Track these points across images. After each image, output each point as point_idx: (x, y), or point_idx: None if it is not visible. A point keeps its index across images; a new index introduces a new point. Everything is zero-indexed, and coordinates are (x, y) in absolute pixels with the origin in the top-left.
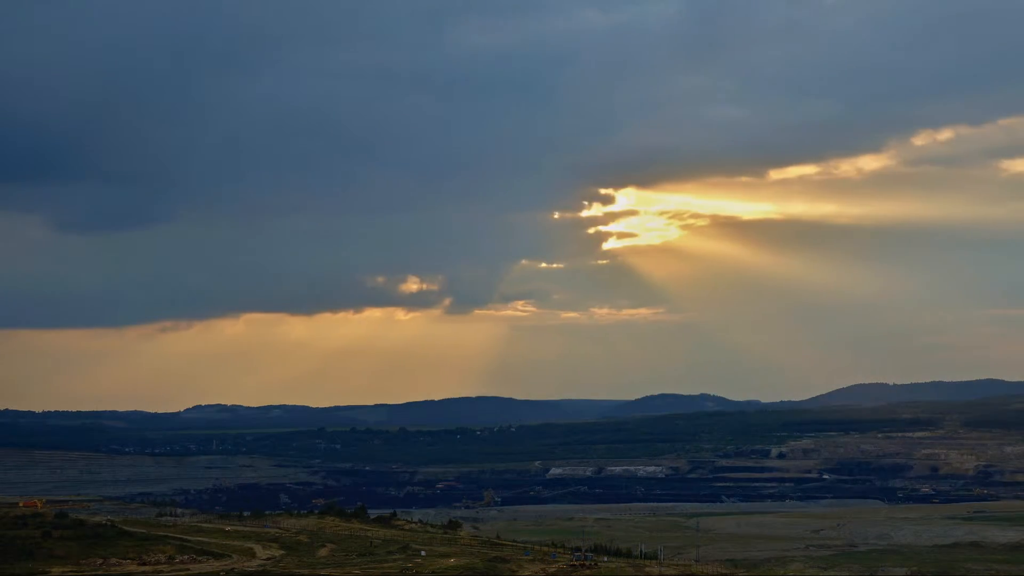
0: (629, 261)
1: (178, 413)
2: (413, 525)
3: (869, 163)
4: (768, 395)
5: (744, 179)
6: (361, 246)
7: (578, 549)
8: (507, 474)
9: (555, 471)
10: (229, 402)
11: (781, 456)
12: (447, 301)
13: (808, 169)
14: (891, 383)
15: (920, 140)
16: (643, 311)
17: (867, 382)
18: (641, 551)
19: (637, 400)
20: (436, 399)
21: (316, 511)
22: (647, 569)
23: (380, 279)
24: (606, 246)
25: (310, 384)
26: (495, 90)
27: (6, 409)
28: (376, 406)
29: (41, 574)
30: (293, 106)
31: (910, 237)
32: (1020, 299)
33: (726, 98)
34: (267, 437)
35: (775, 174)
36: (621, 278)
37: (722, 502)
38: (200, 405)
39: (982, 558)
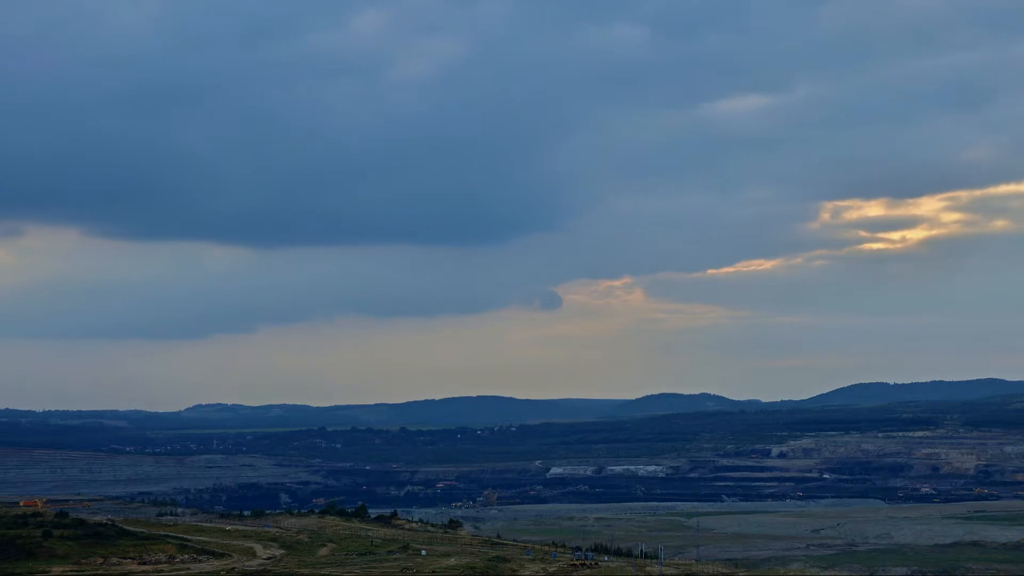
0: None
1: (178, 412)
2: (414, 524)
3: None
4: (768, 395)
5: None
6: None
7: (579, 548)
8: (507, 474)
9: (555, 471)
10: (230, 401)
11: (781, 456)
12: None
13: None
14: (891, 383)
15: None
16: None
17: (867, 382)
18: (641, 551)
19: (637, 399)
20: (436, 399)
21: (316, 510)
22: (647, 569)
23: None
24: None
25: (310, 383)
26: None
27: (7, 408)
28: (376, 405)
29: (42, 573)
30: None
31: None
32: None
33: None
34: (267, 436)
35: None
36: None
37: (722, 501)
38: (200, 404)
39: (982, 558)
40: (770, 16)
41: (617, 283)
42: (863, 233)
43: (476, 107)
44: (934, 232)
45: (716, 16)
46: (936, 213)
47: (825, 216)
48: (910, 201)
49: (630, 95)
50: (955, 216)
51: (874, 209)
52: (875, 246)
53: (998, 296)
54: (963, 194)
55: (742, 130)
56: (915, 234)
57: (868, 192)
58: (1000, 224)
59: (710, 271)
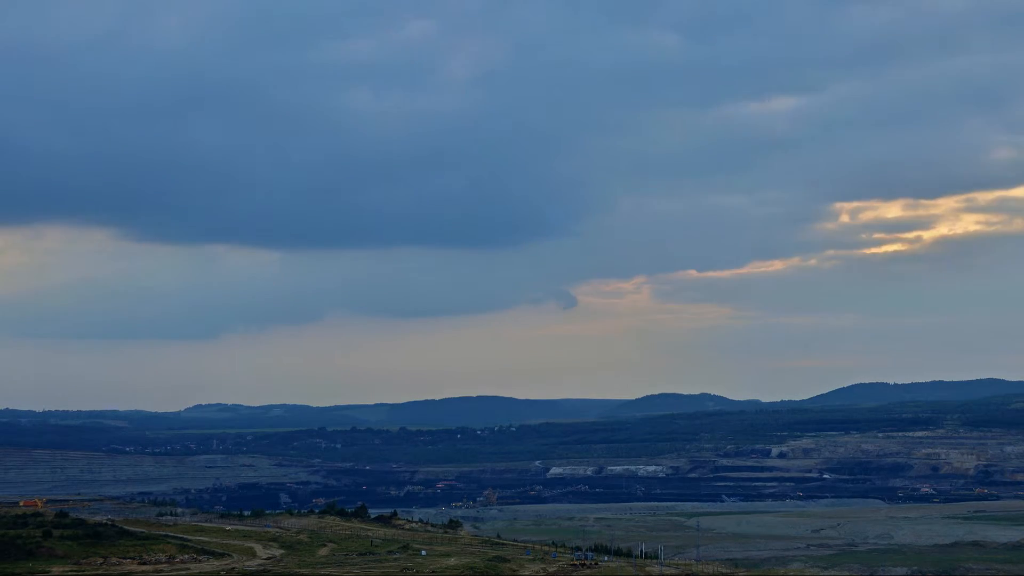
0: None
1: (179, 412)
2: (413, 524)
3: None
4: (768, 395)
5: None
6: None
7: (579, 548)
8: (507, 474)
9: (555, 471)
10: (230, 401)
11: (781, 456)
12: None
13: None
14: (891, 383)
15: None
16: None
17: (867, 382)
18: (641, 551)
19: (637, 400)
20: (436, 399)
21: (316, 511)
22: (647, 569)
23: None
24: None
25: (310, 383)
26: None
27: (7, 408)
28: (376, 406)
29: (42, 573)
30: None
31: None
32: None
33: None
34: (267, 436)
35: None
36: None
37: (722, 501)
38: (200, 404)
39: (982, 558)
40: (793, 19)
41: (627, 284)
42: (877, 235)
43: (494, 111)
44: (948, 233)
45: (737, 19)
46: (954, 214)
47: (844, 217)
48: (928, 202)
49: (648, 97)
50: (973, 217)
51: (891, 210)
52: (889, 248)
53: (999, 296)
54: (980, 195)
55: (762, 132)
56: (928, 235)
57: (888, 193)
58: (1018, 224)
59: (725, 271)
